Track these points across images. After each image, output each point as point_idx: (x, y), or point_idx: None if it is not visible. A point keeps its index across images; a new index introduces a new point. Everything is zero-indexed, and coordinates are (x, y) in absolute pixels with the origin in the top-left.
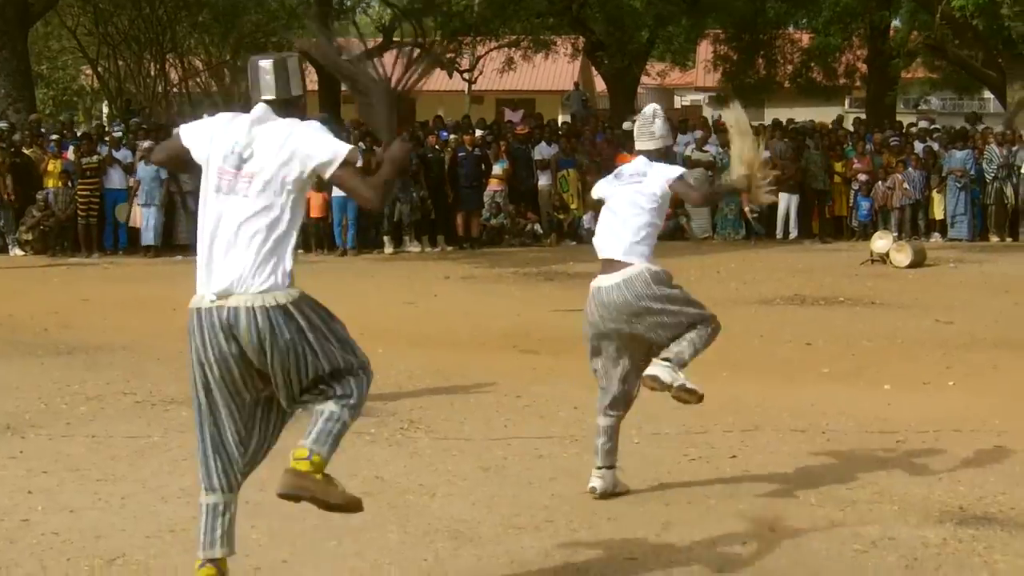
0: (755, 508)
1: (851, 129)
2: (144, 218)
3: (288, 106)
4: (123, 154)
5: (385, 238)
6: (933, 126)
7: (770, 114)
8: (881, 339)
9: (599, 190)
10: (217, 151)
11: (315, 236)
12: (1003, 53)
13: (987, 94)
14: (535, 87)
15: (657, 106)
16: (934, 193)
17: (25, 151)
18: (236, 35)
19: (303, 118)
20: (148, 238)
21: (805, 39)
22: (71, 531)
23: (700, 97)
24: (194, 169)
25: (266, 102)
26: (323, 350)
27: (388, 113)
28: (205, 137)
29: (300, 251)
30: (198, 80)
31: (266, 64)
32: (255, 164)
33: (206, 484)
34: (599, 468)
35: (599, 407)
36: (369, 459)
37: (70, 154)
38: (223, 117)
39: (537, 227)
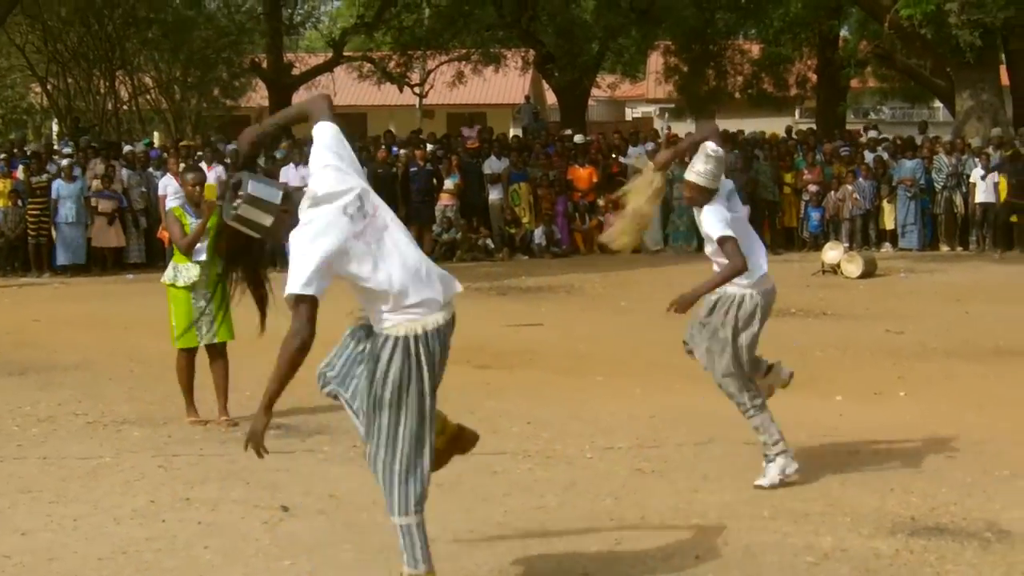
0: (708, 521)
1: (798, 139)
2: (64, 237)
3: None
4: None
5: None
6: (882, 135)
7: (721, 125)
8: (833, 349)
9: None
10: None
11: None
12: (951, 62)
13: (937, 103)
14: (486, 101)
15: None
16: (884, 203)
17: None
18: (186, 51)
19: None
20: (68, 257)
21: (755, 50)
22: (23, 553)
23: (651, 109)
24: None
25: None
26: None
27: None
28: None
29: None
30: (148, 97)
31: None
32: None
33: (415, 505)
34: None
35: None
36: (323, 477)
37: (20, 173)
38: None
39: (489, 242)
